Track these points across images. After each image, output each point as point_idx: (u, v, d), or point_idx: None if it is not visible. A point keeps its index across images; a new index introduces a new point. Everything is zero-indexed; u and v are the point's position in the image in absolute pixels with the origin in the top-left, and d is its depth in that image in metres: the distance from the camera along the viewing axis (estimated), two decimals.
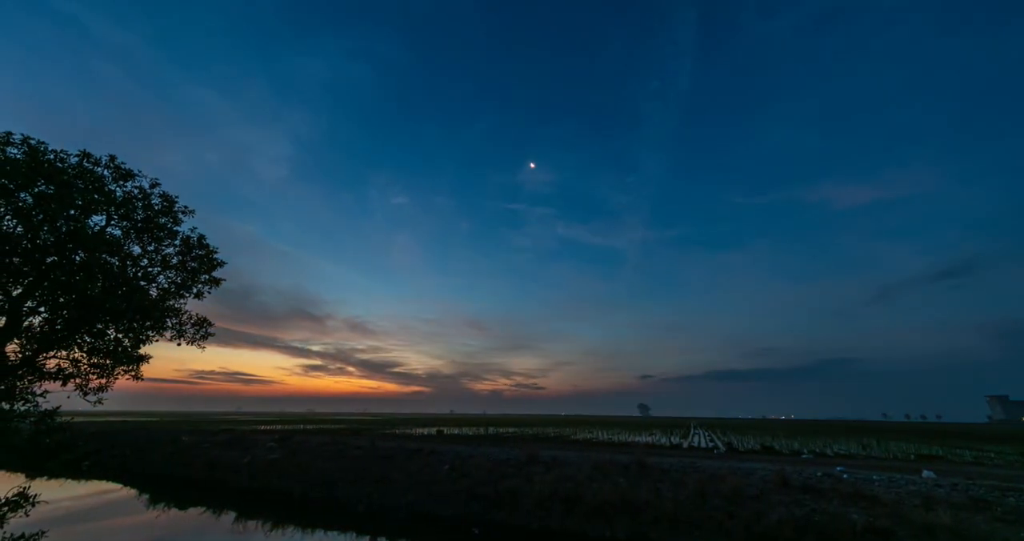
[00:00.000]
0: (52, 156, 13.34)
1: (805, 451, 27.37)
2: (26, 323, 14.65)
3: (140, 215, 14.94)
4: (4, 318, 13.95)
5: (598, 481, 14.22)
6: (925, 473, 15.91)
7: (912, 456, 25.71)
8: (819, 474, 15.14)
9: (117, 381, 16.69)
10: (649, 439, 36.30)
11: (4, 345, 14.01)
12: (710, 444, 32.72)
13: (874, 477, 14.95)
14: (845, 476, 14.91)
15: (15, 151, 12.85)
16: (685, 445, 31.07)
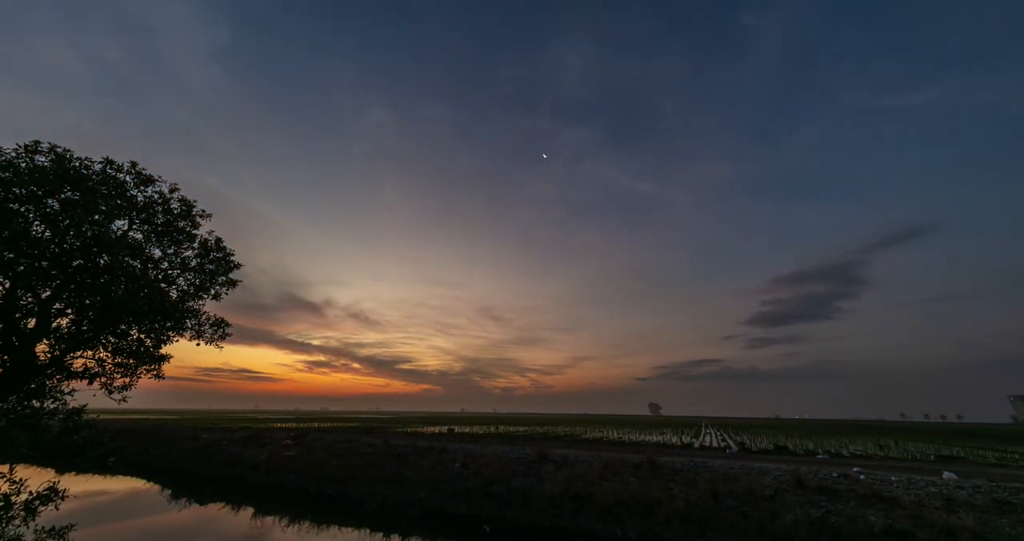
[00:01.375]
0: (77, 163, 13.83)
1: (820, 451, 26.93)
2: (54, 324, 15.24)
3: (160, 219, 15.39)
4: (34, 319, 14.55)
5: (609, 480, 14.25)
6: (946, 474, 15.56)
7: (932, 457, 25.11)
8: (835, 475, 14.91)
9: (139, 380, 17.29)
10: (660, 438, 36.09)
11: (34, 345, 14.61)
12: (722, 444, 32.40)
13: (892, 478, 14.67)
14: (862, 477, 14.67)
15: (43, 159, 13.36)
16: (696, 444, 30.84)
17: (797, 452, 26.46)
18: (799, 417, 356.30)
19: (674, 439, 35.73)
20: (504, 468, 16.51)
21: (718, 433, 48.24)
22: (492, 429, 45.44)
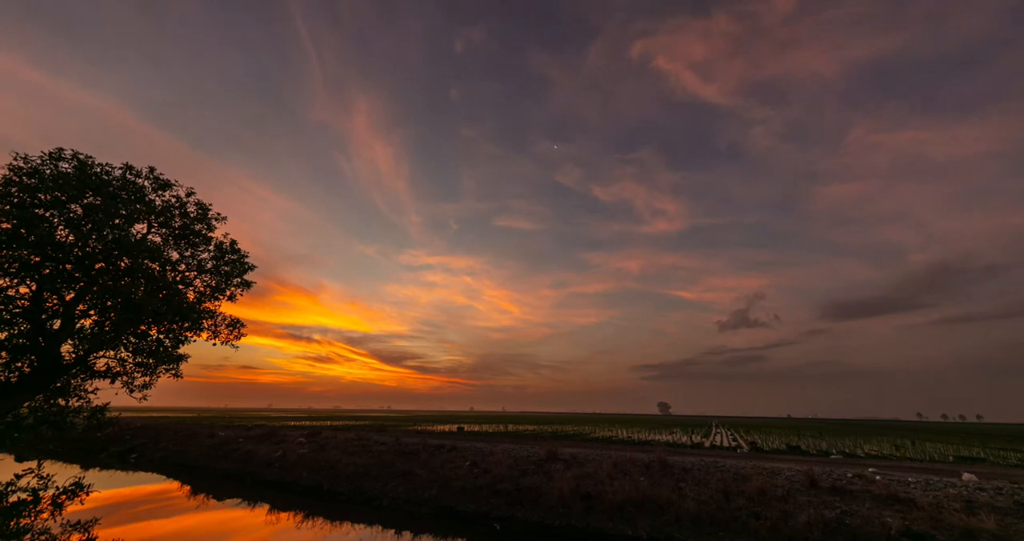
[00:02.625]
0: (98, 169, 14.26)
1: (834, 451, 26.56)
2: (78, 325, 15.78)
3: (177, 222, 15.82)
4: (59, 320, 15.07)
5: (619, 479, 14.27)
6: (965, 476, 15.26)
7: (950, 458, 24.60)
8: (849, 475, 14.71)
9: (158, 379, 17.81)
10: (669, 438, 35.91)
11: (59, 346, 15.14)
12: (732, 443, 32.12)
13: (910, 479, 14.43)
14: (878, 477, 14.45)
15: (66, 165, 13.82)
16: (707, 444, 30.62)
17: (810, 452, 26.13)
18: (812, 416, 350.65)
19: (684, 438, 35.52)
20: (513, 466, 16.62)
21: (729, 432, 47.78)
22: (501, 428, 45.67)
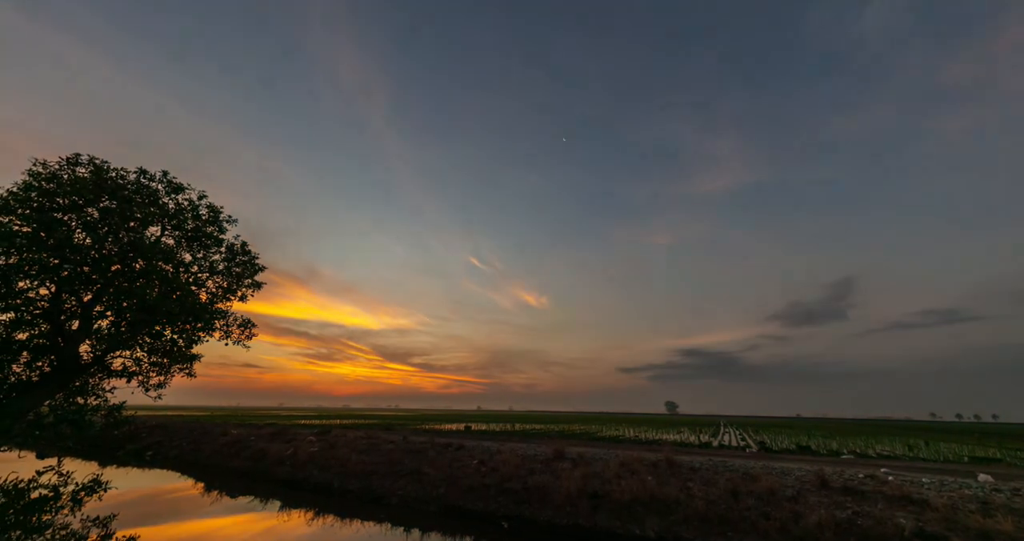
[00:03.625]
0: (114, 173, 14.62)
1: (845, 451, 26.27)
2: (95, 326, 16.20)
3: (190, 225, 16.17)
4: (77, 321, 15.50)
5: (626, 478, 14.28)
6: (981, 477, 15.02)
7: (965, 458, 24.19)
8: (861, 475, 14.57)
9: (172, 378, 18.20)
10: (677, 437, 35.75)
11: (78, 346, 15.57)
12: (741, 443, 31.90)
13: (923, 480, 14.24)
14: (890, 478, 14.28)
15: (83, 170, 14.19)
16: (715, 443, 30.45)
17: (820, 452, 25.87)
18: (822, 416, 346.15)
19: (692, 438, 35.36)
20: (521, 465, 16.71)
21: (737, 432, 47.45)
22: (508, 427, 45.82)
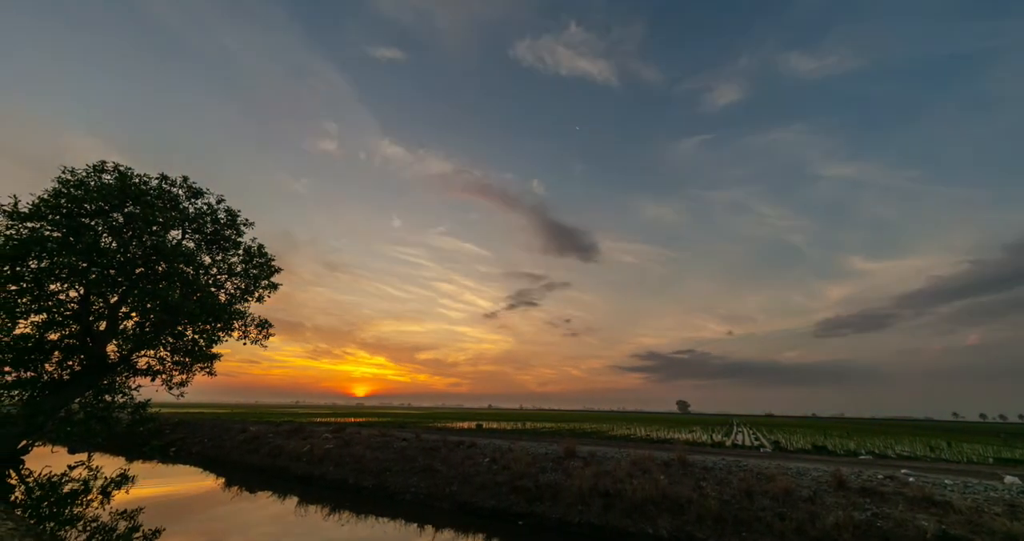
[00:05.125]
0: (137, 180, 15.15)
1: (863, 452, 25.76)
2: (121, 326, 16.84)
3: (209, 229, 16.67)
4: (104, 322, 16.14)
5: (638, 477, 14.29)
6: (1008, 478, 14.59)
7: (990, 459, 23.52)
8: (880, 476, 14.28)
9: (193, 376, 18.81)
10: (689, 436, 35.48)
11: (105, 345, 16.22)
12: (755, 442, 31.52)
13: (946, 481, 13.90)
14: (911, 479, 13.98)
15: (108, 177, 14.73)
16: (728, 443, 30.15)
17: (837, 452, 25.42)
18: (838, 416, 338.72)
19: (704, 437, 35.04)
20: (532, 463, 16.83)
21: (751, 431, 46.85)
22: (519, 425, 45.99)
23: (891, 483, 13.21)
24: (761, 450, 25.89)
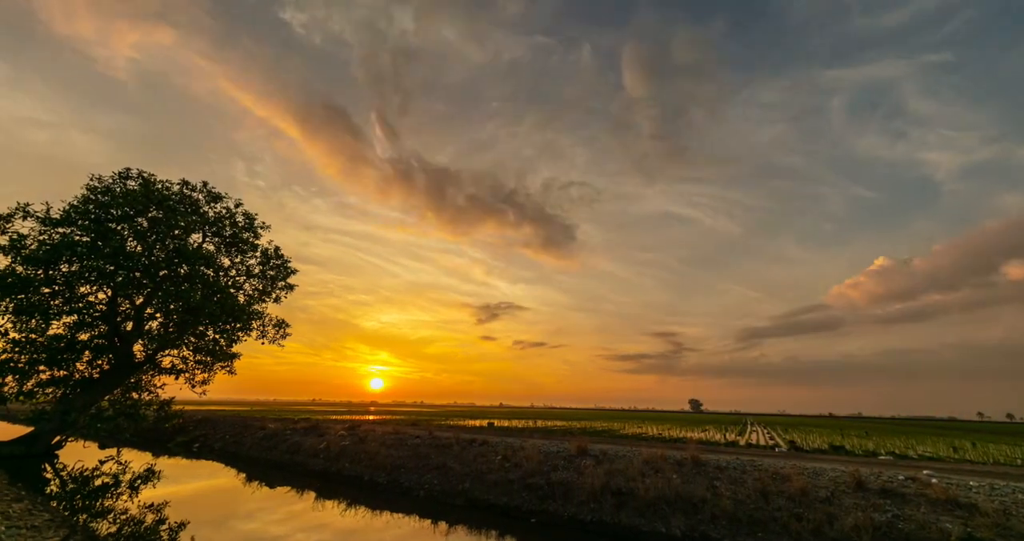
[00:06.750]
0: (160, 185, 15.69)
1: (882, 452, 25.22)
2: (146, 327, 17.49)
3: (228, 232, 17.16)
4: (131, 323, 16.78)
5: (650, 476, 14.29)
6: None
7: (1018, 461, 22.82)
8: (901, 477, 13.96)
9: (215, 375, 19.43)
10: (702, 435, 35.17)
11: (132, 345, 16.87)
12: (770, 442, 31.09)
13: (971, 483, 13.52)
14: (934, 480, 13.64)
15: (132, 183, 15.30)
16: (742, 442, 29.82)
17: (855, 452, 24.95)
18: (856, 415, 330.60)
19: (717, 436, 34.71)
20: (544, 462, 16.94)
21: (765, 431, 46.19)
22: (531, 423, 46.20)
23: (913, 484, 12.92)
24: (776, 450, 25.55)
